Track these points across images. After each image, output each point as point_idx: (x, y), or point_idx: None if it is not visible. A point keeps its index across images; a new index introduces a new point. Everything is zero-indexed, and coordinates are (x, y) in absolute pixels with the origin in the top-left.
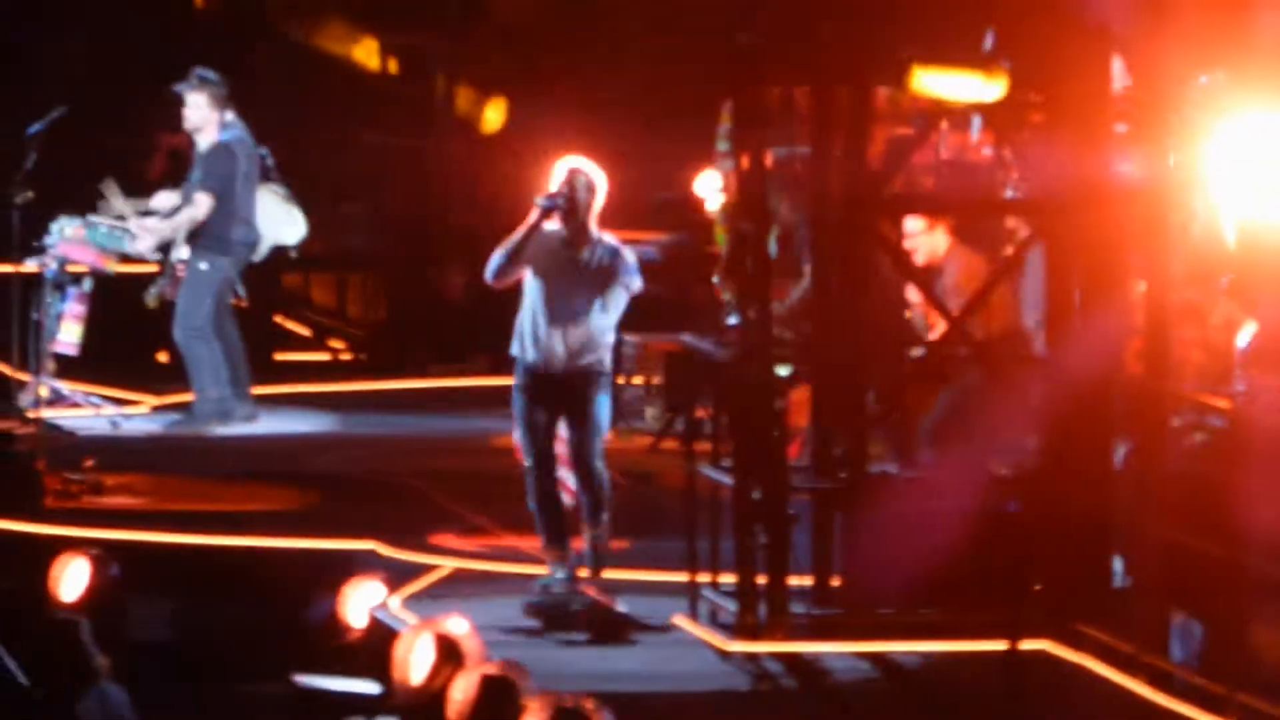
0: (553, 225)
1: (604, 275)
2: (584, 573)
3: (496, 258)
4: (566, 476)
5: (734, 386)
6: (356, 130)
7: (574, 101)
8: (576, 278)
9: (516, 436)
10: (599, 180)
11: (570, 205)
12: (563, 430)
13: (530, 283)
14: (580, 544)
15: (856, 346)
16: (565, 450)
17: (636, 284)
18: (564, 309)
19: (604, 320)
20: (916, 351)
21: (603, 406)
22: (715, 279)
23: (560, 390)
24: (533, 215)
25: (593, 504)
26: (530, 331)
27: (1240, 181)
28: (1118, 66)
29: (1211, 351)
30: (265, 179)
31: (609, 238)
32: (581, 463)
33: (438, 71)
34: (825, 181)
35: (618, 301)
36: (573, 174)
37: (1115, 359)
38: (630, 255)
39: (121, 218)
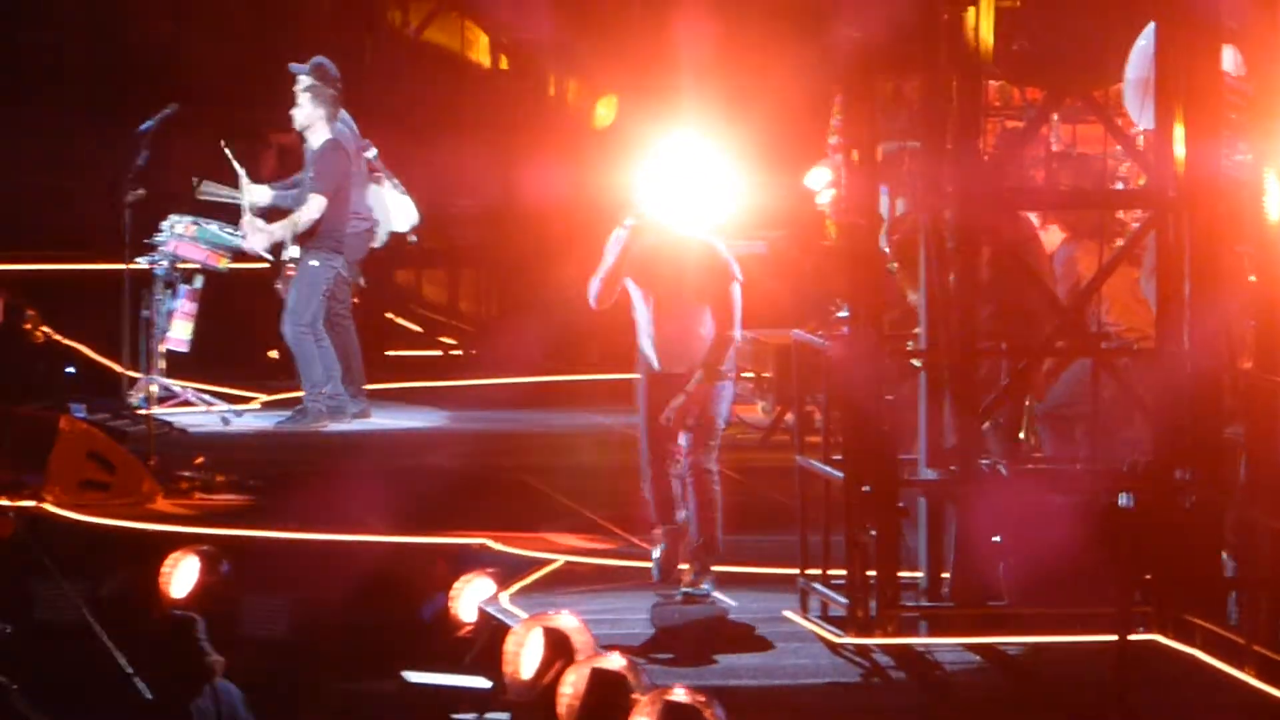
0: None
1: (704, 271)
2: (687, 568)
3: (594, 285)
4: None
5: (844, 381)
6: (468, 125)
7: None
8: (676, 277)
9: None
10: (687, 176)
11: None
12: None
13: (633, 289)
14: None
15: (969, 341)
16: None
17: (737, 277)
18: (669, 309)
19: (709, 317)
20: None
21: (719, 405)
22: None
23: (675, 390)
24: (618, 238)
25: (700, 505)
26: (644, 333)
27: None
28: (1231, 58)
29: None
30: (372, 172)
31: (704, 233)
32: (693, 464)
33: (548, 68)
34: (936, 175)
35: (724, 297)
36: (652, 172)
37: (1227, 351)
38: (724, 248)
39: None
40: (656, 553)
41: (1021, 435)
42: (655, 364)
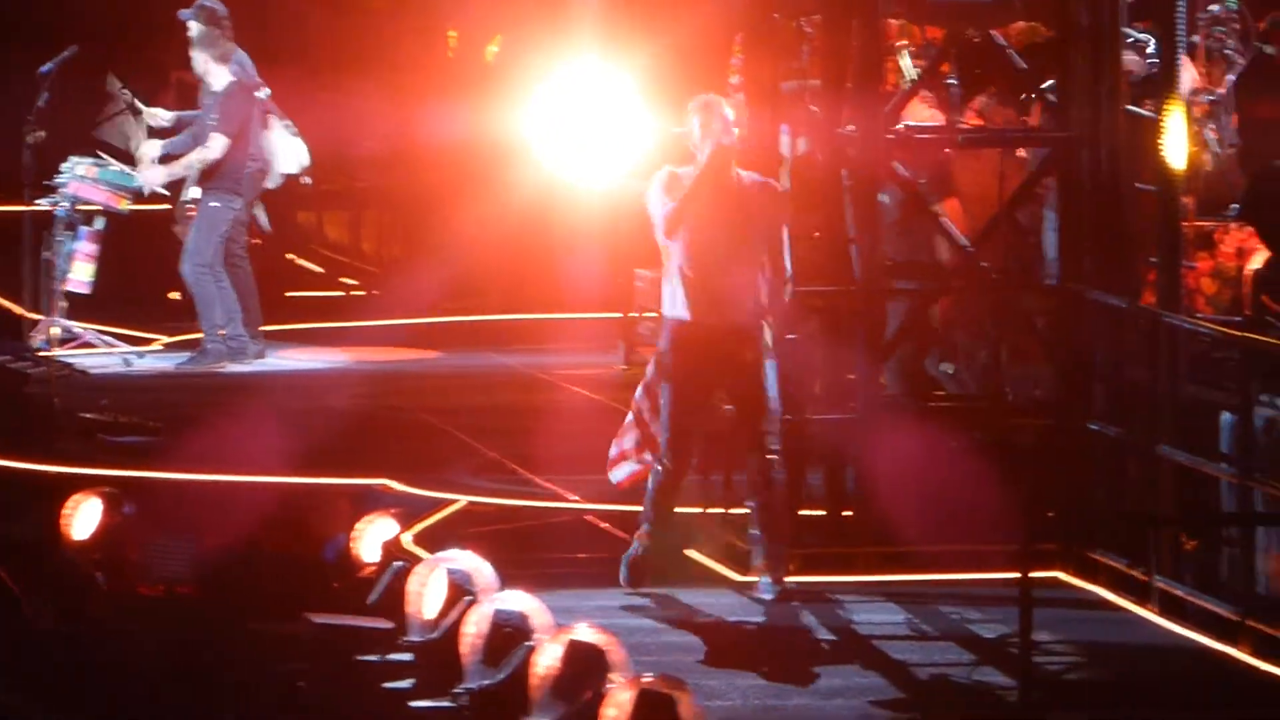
0: (687, 169)
1: (754, 213)
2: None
3: (668, 216)
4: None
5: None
6: (369, 67)
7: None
8: (726, 221)
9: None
10: (727, 111)
11: (705, 135)
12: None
13: (672, 239)
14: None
15: (870, 280)
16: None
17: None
18: (714, 251)
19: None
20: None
21: (770, 383)
22: None
23: (715, 346)
24: (661, 179)
25: (764, 507)
26: (677, 279)
27: None
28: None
29: (1223, 279)
30: (264, 114)
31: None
32: (758, 465)
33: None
34: (837, 114)
35: (779, 238)
36: (707, 109)
37: (1128, 288)
38: (779, 185)
39: (131, 109)
40: (630, 553)
41: (947, 369)
42: (687, 314)
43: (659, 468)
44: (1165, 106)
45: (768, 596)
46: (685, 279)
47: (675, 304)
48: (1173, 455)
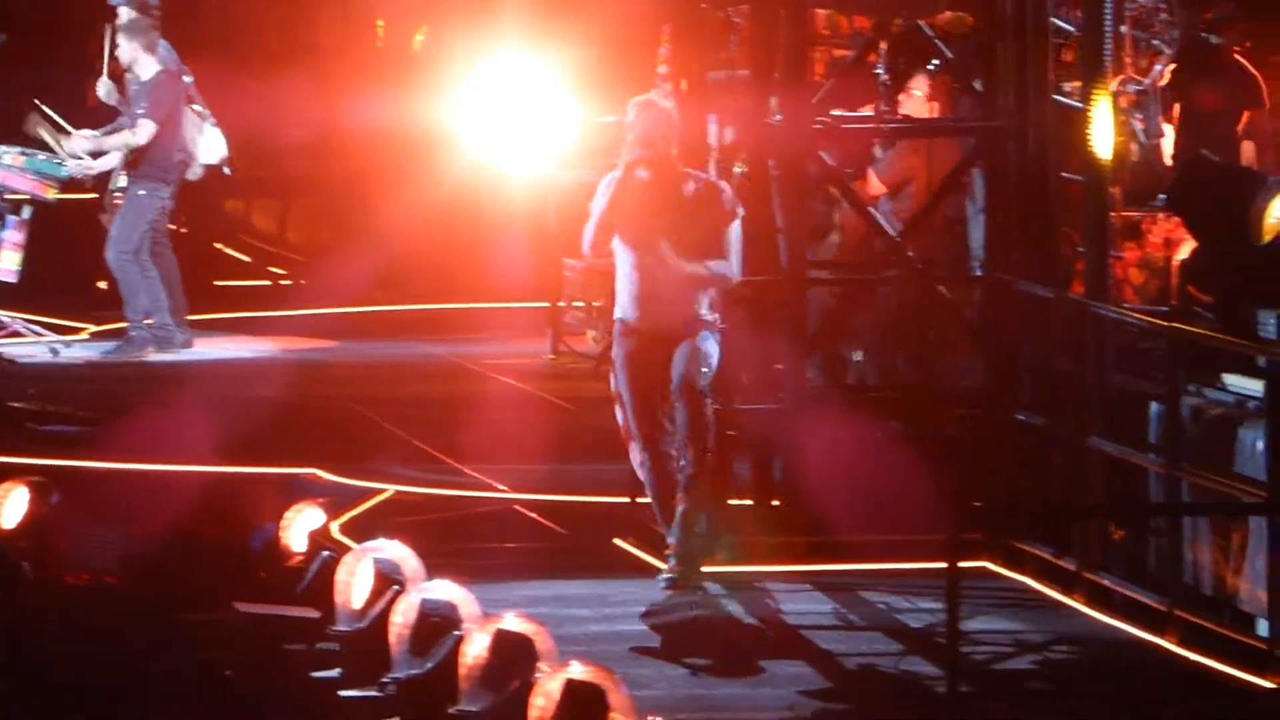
0: (641, 172)
1: (697, 214)
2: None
3: (587, 232)
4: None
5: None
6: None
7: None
8: (669, 224)
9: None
10: (671, 111)
11: (643, 140)
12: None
13: (617, 239)
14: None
15: (795, 271)
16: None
17: (739, 213)
18: (647, 259)
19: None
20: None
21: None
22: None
23: (664, 351)
24: (609, 181)
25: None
26: (627, 286)
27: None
28: None
29: (1150, 269)
30: (189, 101)
31: (705, 173)
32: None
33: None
34: (764, 105)
35: (723, 239)
36: (641, 111)
37: (1056, 279)
38: (727, 187)
39: (61, 131)
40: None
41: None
42: (633, 315)
43: (643, 461)
44: (1092, 97)
45: (660, 585)
46: (631, 282)
47: (622, 305)
48: (1100, 445)
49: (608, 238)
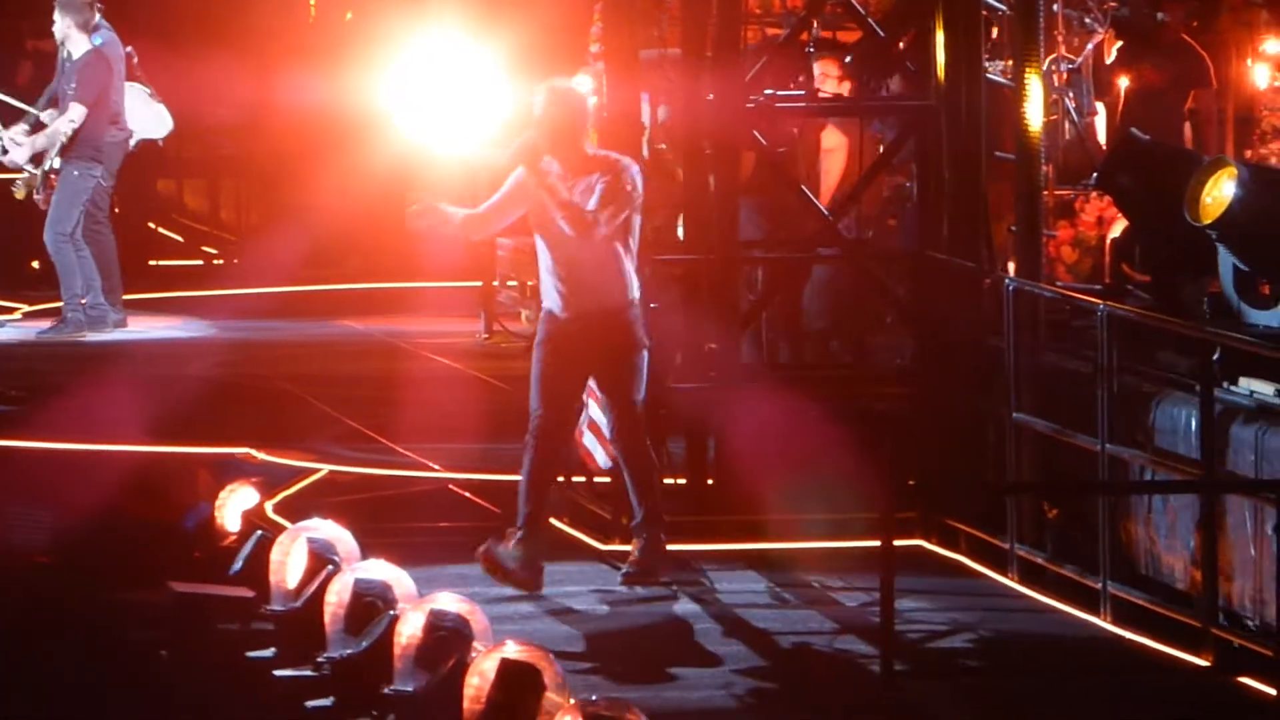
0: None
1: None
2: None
3: (471, 219)
4: (594, 447)
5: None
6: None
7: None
8: (574, 205)
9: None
10: (581, 98)
11: (549, 130)
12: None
13: (536, 235)
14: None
15: (728, 250)
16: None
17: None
18: (575, 249)
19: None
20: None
21: (638, 377)
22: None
23: (585, 342)
24: (517, 176)
25: (635, 470)
26: (549, 275)
27: None
28: None
29: (1083, 248)
30: (132, 78)
31: (606, 152)
32: (618, 428)
33: None
34: (696, 83)
35: (628, 226)
36: (549, 96)
37: (987, 256)
38: (634, 168)
39: None
40: (493, 550)
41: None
42: (555, 305)
43: (528, 443)
44: (1023, 75)
45: (618, 581)
46: (550, 270)
47: (545, 295)
48: (1031, 423)
49: (499, 224)
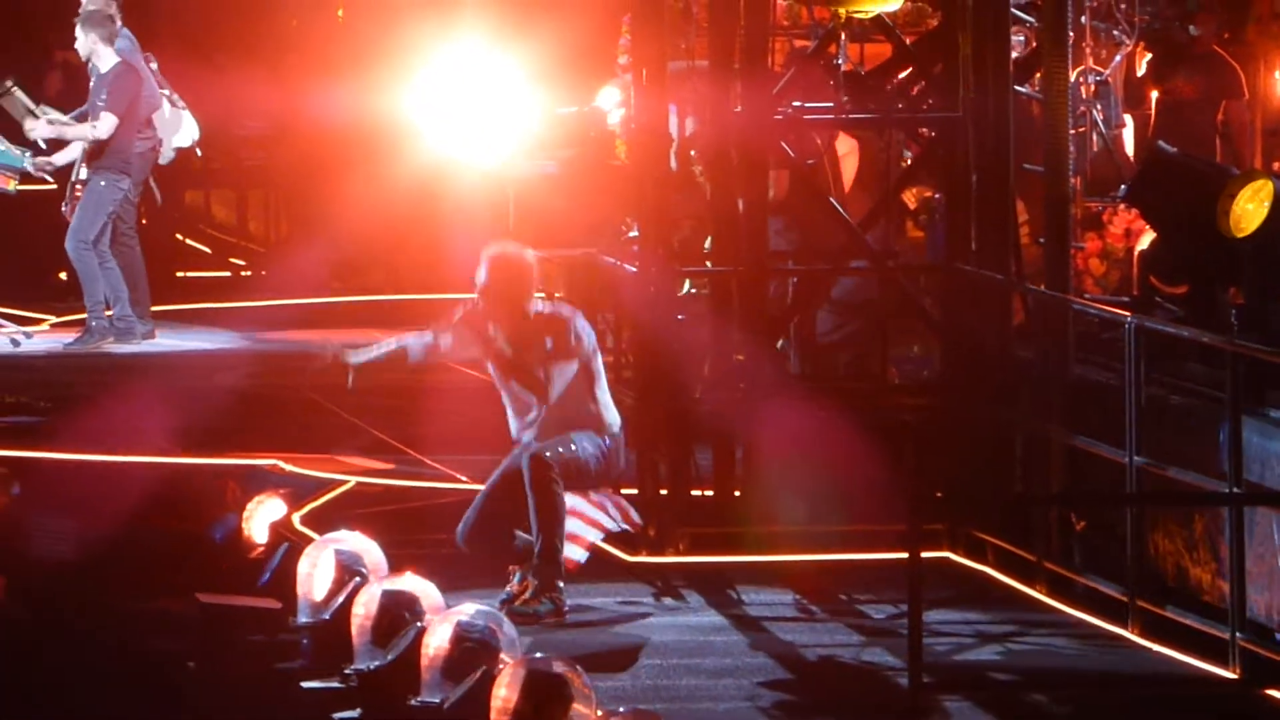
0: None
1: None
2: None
3: (415, 346)
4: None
5: (634, 301)
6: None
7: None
8: (523, 367)
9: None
10: (523, 262)
11: (491, 298)
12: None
13: (493, 373)
14: None
15: (756, 261)
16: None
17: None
18: (521, 401)
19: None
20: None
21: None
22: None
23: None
24: (462, 308)
25: (541, 505)
26: (511, 418)
27: None
28: None
29: (1111, 260)
30: (160, 88)
31: (552, 309)
32: (533, 458)
33: None
34: (725, 95)
35: (588, 373)
36: (490, 264)
37: (1016, 267)
38: (579, 320)
39: (30, 113)
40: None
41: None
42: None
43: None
44: (1052, 88)
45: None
46: (515, 417)
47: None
48: (1060, 436)
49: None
